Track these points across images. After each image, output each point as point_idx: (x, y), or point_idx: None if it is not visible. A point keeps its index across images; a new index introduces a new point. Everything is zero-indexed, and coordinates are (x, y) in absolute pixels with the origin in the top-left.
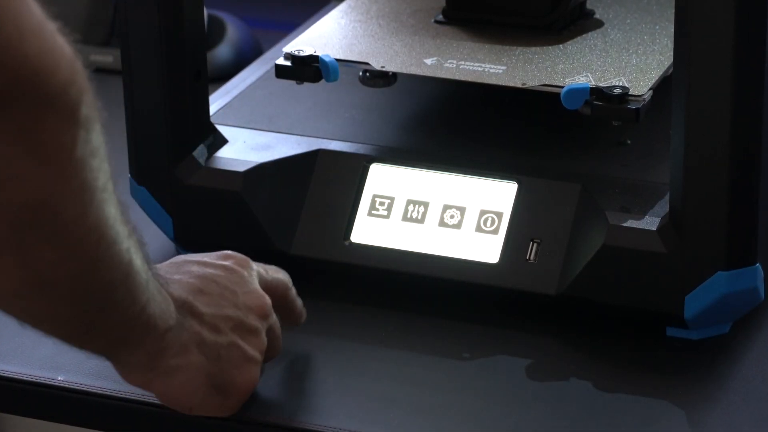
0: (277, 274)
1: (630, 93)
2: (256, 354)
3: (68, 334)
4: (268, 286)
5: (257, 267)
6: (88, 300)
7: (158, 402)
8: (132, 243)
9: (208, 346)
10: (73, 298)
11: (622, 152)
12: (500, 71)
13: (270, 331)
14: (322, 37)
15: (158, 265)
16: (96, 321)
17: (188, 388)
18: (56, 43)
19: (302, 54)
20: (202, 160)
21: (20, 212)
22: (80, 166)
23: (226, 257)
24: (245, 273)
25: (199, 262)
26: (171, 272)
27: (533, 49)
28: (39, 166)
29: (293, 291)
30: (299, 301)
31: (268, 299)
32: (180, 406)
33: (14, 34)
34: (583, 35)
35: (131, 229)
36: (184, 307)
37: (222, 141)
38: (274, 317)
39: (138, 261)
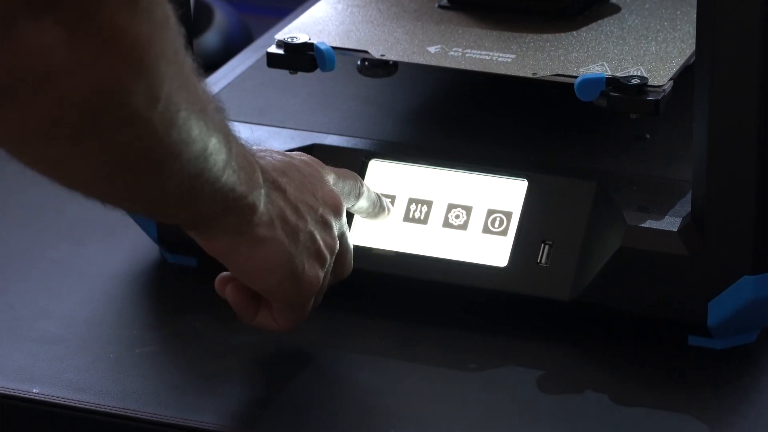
0: (348, 178)
1: (649, 83)
2: (326, 253)
3: (157, 210)
4: (341, 192)
5: (330, 171)
6: (171, 176)
7: (136, 415)
8: (209, 118)
9: (290, 226)
10: (154, 175)
11: (641, 147)
12: (509, 60)
13: (341, 238)
14: (317, 24)
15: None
16: (181, 195)
17: (271, 263)
18: None
19: (296, 41)
20: None
21: (91, 98)
22: (144, 49)
23: (302, 155)
24: (322, 171)
25: (279, 152)
26: (257, 151)
27: (545, 36)
28: (100, 52)
29: (365, 189)
30: (375, 197)
31: (342, 200)
32: (257, 283)
33: None
34: (599, 21)
35: (207, 100)
36: (269, 179)
37: None
38: (345, 224)
39: (214, 137)
